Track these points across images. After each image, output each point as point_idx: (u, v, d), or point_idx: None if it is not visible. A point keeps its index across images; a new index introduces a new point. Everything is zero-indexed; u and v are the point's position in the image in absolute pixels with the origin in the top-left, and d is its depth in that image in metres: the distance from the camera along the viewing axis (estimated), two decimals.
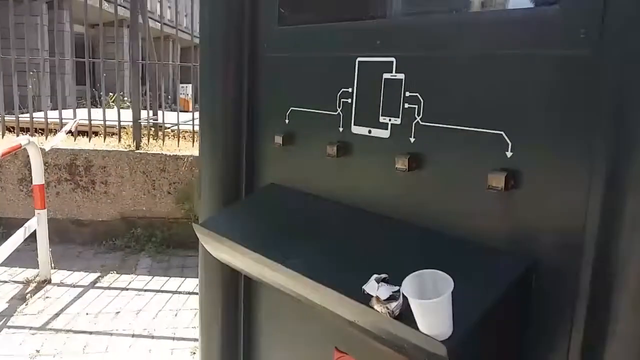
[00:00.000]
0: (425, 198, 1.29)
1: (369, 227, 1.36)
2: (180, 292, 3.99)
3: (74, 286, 3.99)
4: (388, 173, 1.35)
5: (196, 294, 3.99)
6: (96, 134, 5.18)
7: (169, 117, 5.42)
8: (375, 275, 1.06)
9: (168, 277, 4.26)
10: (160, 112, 5.26)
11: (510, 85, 1.12)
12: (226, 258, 1.59)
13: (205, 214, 1.85)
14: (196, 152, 4.83)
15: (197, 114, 5.28)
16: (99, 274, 4.23)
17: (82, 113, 5.21)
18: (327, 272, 1.22)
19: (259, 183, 1.81)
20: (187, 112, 6.62)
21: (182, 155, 4.76)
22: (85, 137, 5.13)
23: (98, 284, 4.07)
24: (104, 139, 5.06)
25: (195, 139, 5.08)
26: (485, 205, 1.16)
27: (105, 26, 5.06)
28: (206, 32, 1.83)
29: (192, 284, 4.14)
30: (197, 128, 5.10)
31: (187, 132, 5.30)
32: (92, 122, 5.07)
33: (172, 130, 5.40)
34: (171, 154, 4.77)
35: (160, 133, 5.18)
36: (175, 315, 3.62)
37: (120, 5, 5.24)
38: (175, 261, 4.61)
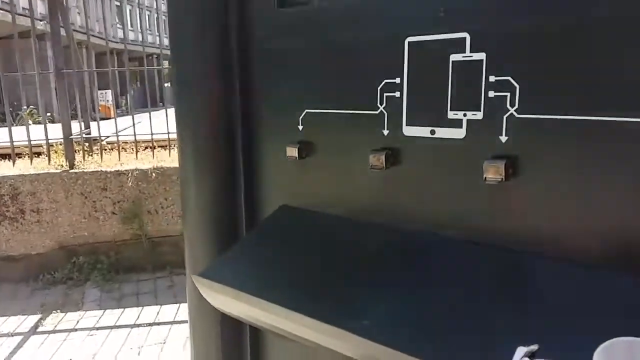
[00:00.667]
0: (536, 216, 0.95)
1: (454, 260, 1.02)
2: (139, 325, 3.50)
3: (12, 335, 3.41)
4: (469, 185, 1.01)
5: (158, 324, 3.52)
6: (19, 155, 4.51)
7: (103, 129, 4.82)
8: (522, 349, 0.72)
9: (122, 309, 3.74)
10: (94, 124, 4.67)
11: None
12: (242, 315, 1.19)
13: (196, 255, 1.44)
14: (141, 165, 4.30)
15: (137, 119, 4.75)
16: (40, 316, 3.65)
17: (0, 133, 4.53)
18: (425, 339, 0.86)
19: (264, 210, 1.42)
20: (109, 119, 6.04)
21: (125, 170, 4.21)
22: (7, 160, 4.46)
23: (40, 328, 3.50)
24: (31, 161, 4.41)
25: (137, 150, 4.53)
26: None
27: (8, 39, 4.41)
28: (177, 19, 1.41)
29: (151, 313, 3.66)
30: (140, 137, 4.56)
31: (127, 143, 4.73)
32: (14, 142, 4.39)
33: (109, 143, 4.82)
34: (112, 170, 4.21)
35: (96, 148, 4.59)
36: (139, 353, 3.14)
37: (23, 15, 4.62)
38: (127, 288, 4.09)
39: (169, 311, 3.67)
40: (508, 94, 0.95)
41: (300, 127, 1.29)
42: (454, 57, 1.00)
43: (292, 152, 1.27)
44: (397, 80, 1.09)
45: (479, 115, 0.99)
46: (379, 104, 1.13)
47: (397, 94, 1.09)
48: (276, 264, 1.20)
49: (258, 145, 1.40)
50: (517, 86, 0.94)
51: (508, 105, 0.95)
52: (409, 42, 1.06)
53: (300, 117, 1.28)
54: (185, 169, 1.46)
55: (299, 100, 1.28)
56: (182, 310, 3.65)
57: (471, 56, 0.98)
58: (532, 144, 0.94)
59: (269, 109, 1.36)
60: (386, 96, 1.11)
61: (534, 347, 0.73)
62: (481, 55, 0.97)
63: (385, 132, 1.13)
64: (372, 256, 1.10)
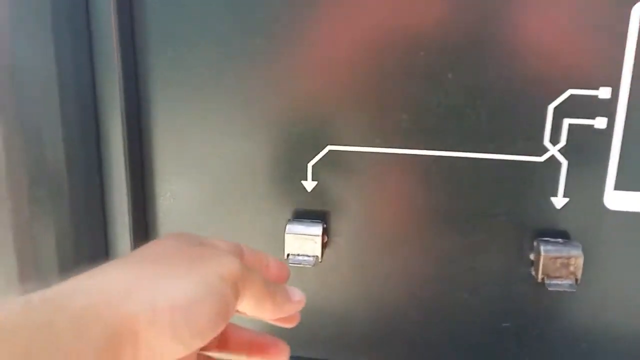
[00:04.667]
0: None
1: None
2: None
3: None
4: None
5: None
6: None
7: None
8: None
9: None
10: None
11: None
12: None
13: None
14: None
15: None
16: None
17: None
18: None
19: None
20: None
21: None
22: None
23: None
24: None
25: None
26: None
27: None
28: None
29: None
30: None
31: None
32: None
33: None
34: None
35: None
36: None
37: None
38: None
39: None
40: None
41: (311, 188, 0.56)
42: None
43: (308, 246, 0.54)
44: (603, 92, 0.50)
45: None
46: (548, 142, 0.51)
47: (600, 124, 0.50)
48: None
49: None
50: None
51: None
52: None
53: (311, 163, 0.55)
54: None
55: (312, 126, 0.55)
56: None
57: None
58: None
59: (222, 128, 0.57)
60: (570, 125, 0.51)
61: None
62: None
63: (560, 201, 0.53)
64: None
